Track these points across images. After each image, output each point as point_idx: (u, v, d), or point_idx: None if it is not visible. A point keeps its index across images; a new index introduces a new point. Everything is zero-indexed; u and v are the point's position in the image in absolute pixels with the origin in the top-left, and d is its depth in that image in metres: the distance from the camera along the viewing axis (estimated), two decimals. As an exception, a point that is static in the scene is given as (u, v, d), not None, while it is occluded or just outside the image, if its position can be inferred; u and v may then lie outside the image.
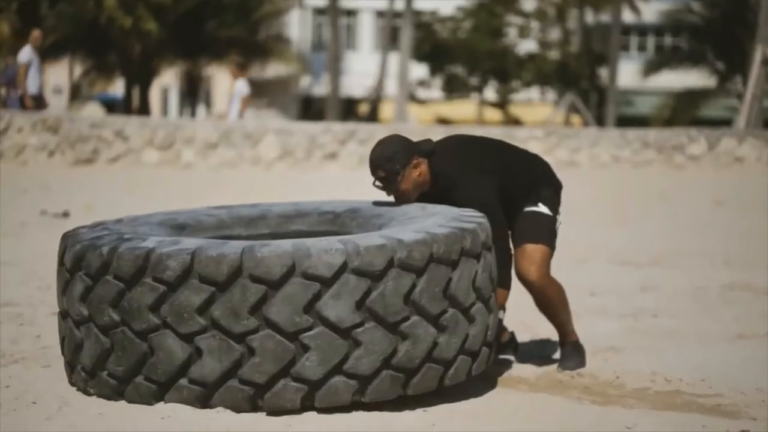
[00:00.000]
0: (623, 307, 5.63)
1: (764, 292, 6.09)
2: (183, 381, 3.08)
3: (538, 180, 4.00)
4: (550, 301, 4.04)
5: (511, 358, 4.28)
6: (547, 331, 4.78)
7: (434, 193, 3.81)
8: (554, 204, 4.02)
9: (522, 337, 4.71)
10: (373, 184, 3.78)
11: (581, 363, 4.10)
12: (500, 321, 3.75)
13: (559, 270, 6.83)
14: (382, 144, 3.77)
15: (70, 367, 3.34)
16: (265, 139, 13.21)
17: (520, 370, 4.12)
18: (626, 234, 8.91)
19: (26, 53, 13.41)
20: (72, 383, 3.38)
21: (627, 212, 10.45)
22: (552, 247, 4.01)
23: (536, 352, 4.46)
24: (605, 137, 14.46)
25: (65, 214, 8.69)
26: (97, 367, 3.19)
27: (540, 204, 3.97)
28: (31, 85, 13.58)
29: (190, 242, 3.13)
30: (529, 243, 3.93)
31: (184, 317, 3.05)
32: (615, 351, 4.49)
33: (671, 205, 11.14)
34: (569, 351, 4.13)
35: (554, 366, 4.15)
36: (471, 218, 3.49)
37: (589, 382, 3.94)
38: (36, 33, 13.77)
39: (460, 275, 3.32)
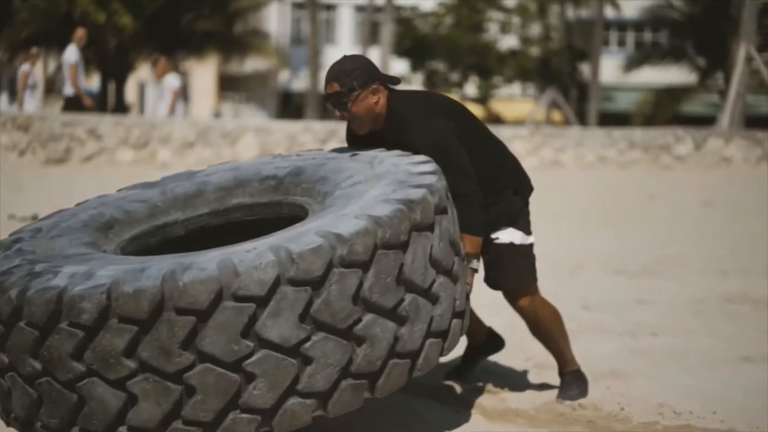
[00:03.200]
0: (620, 323, 5.38)
1: (763, 305, 5.87)
2: (122, 429, 2.78)
3: (506, 165, 3.62)
4: (544, 324, 3.76)
5: (507, 389, 4.00)
6: (544, 355, 4.50)
7: (388, 133, 3.42)
8: (526, 220, 3.69)
9: (518, 362, 4.44)
10: (326, 100, 3.42)
11: (583, 392, 3.83)
12: (474, 271, 3.37)
13: (550, 280, 6.60)
14: (344, 58, 3.43)
15: (5, 413, 3.02)
16: (243, 138, 12.87)
17: (517, 400, 3.85)
18: (616, 239, 8.68)
19: (74, 53, 13.06)
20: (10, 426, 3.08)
21: (615, 215, 10.22)
22: (535, 277, 3.72)
23: (534, 380, 4.18)
24: (591, 137, 14.22)
25: (34, 218, 8.36)
26: (30, 418, 2.89)
27: (513, 229, 3.63)
28: (82, 84, 13.33)
29: (104, 273, 2.80)
30: (516, 288, 3.68)
31: (110, 363, 2.74)
32: (617, 376, 4.22)
33: (659, 207, 10.93)
34: (569, 380, 3.85)
35: (554, 396, 3.88)
36: (420, 180, 3.11)
37: (592, 415, 3.67)
38: (80, 32, 13.39)
39: (414, 255, 2.98)
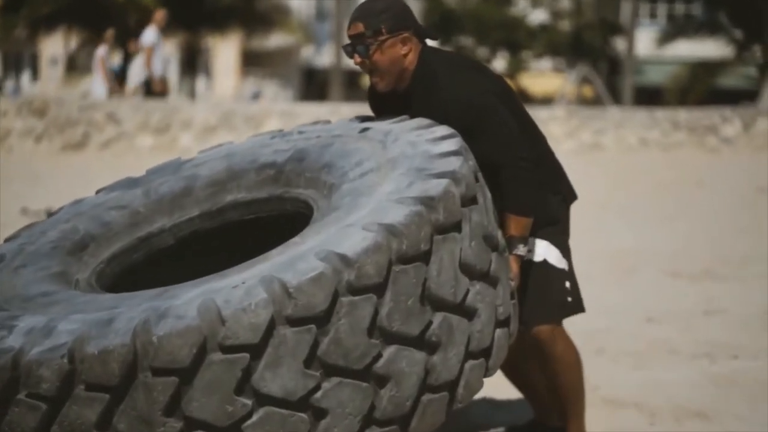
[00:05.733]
0: (691, 340, 4.82)
1: None
2: None
3: (545, 159, 2.97)
4: (560, 367, 3.01)
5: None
6: (614, 385, 3.95)
7: (415, 92, 2.83)
8: (563, 238, 3.00)
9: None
10: (344, 46, 2.85)
11: None
12: (521, 258, 2.78)
13: (604, 285, 6.06)
14: None
15: None
16: (268, 121, 12.34)
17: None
18: (669, 233, 8.11)
19: (151, 35, 12.72)
20: None
21: (664, 205, 9.64)
22: (565, 314, 3.00)
23: (604, 420, 3.62)
24: (632, 118, 13.57)
25: (48, 213, 7.90)
26: None
27: (549, 244, 2.94)
28: (157, 68, 13.02)
29: (66, 328, 2.31)
30: (535, 324, 2.94)
31: None
32: (704, 419, 3.66)
33: (710, 194, 10.33)
34: None
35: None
36: (440, 165, 2.54)
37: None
38: (160, 14, 13.05)
39: (439, 265, 2.43)
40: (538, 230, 2.91)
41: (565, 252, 2.98)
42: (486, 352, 2.59)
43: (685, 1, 32.48)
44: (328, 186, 2.71)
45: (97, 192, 3.04)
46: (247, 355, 2.22)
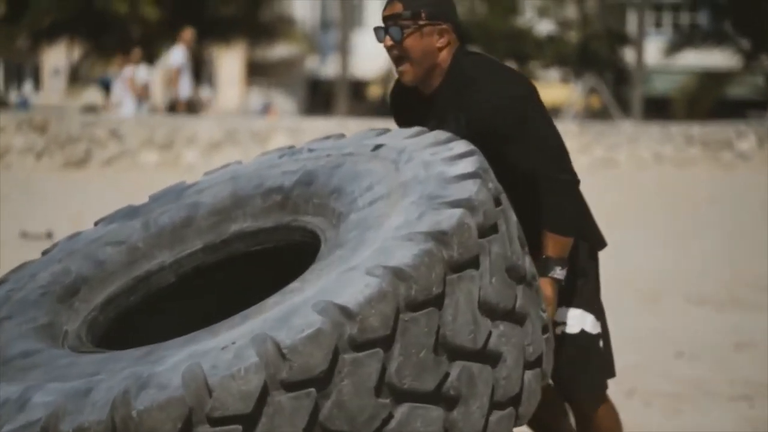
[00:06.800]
0: (726, 379, 4.58)
1: None
2: None
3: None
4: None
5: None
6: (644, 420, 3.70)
7: (443, 94, 2.61)
8: (595, 294, 2.71)
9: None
10: (375, 28, 2.63)
11: None
12: (557, 282, 2.53)
13: (626, 313, 5.81)
14: None
15: None
16: (274, 137, 12.13)
17: None
18: (688, 255, 7.89)
19: (179, 55, 12.60)
20: None
21: (680, 223, 9.42)
22: (603, 379, 2.76)
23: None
24: (645, 133, 13.35)
25: (49, 235, 7.73)
26: None
27: (583, 311, 2.68)
28: (184, 89, 12.87)
29: (41, 400, 2.11)
30: (576, 398, 2.74)
31: None
32: (750, 475, 3.40)
33: (726, 212, 10.11)
34: None
35: None
36: (455, 192, 2.28)
37: None
38: (188, 33, 12.90)
39: (455, 309, 2.17)
40: (568, 287, 2.61)
41: (599, 311, 2.71)
42: (515, 400, 2.33)
43: (690, 10, 32.35)
44: (337, 214, 2.48)
45: (96, 223, 2.81)
46: (239, 427, 2.00)
